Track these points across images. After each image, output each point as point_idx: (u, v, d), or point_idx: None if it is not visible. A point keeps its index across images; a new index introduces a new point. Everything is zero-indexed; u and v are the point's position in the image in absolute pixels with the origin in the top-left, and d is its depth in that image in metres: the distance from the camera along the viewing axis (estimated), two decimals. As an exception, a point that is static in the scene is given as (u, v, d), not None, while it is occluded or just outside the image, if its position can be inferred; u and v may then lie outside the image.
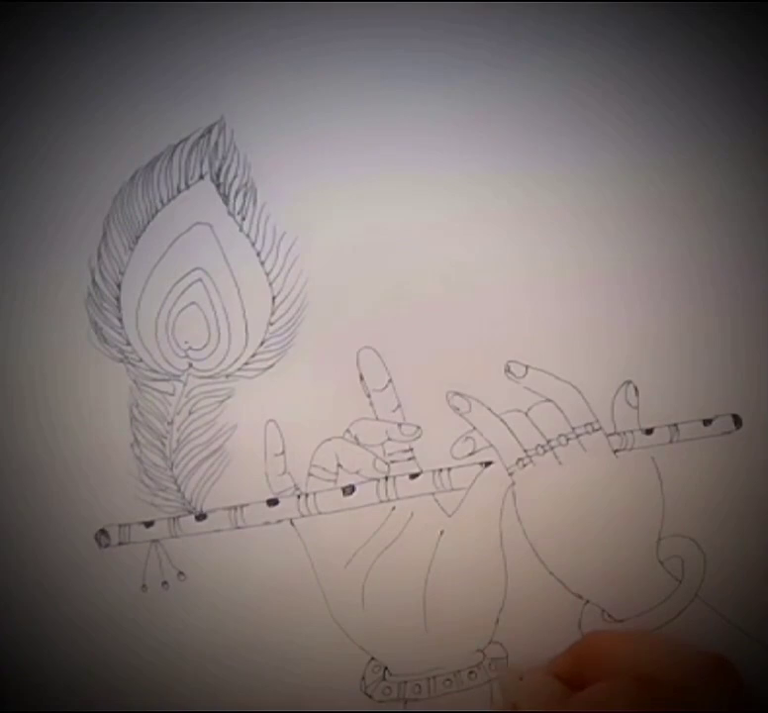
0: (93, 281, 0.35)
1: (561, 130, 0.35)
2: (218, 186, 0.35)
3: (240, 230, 0.35)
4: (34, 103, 0.35)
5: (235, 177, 0.35)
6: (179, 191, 0.35)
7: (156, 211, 0.35)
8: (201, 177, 0.35)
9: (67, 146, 0.35)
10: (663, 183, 0.35)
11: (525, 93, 0.35)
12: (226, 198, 0.35)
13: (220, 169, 0.35)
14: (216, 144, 0.35)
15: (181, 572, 0.34)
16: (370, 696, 0.34)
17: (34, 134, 0.35)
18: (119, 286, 0.35)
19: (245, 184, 0.35)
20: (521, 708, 0.32)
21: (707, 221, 0.35)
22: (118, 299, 0.35)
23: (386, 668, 0.35)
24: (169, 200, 0.35)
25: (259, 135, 0.35)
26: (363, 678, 0.34)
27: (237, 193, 0.35)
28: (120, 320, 0.35)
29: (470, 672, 0.35)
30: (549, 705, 0.30)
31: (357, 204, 0.35)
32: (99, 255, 0.35)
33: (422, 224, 0.35)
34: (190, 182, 0.35)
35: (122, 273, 0.35)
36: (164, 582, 0.34)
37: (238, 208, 0.35)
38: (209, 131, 0.35)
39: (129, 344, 0.35)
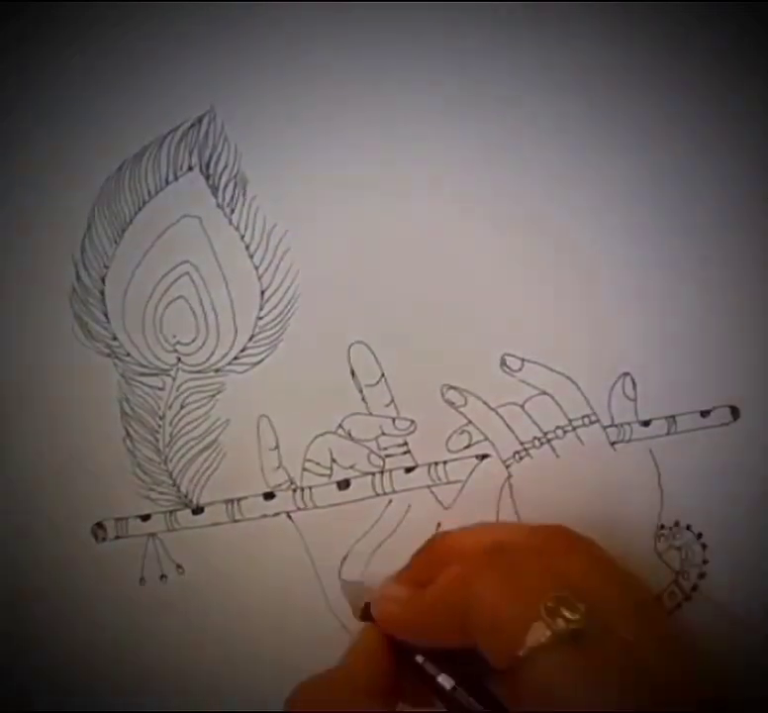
0: (77, 275, 0.35)
1: (559, 125, 0.34)
2: (207, 178, 0.34)
3: (230, 222, 0.34)
4: (16, 93, 0.35)
5: (224, 169, 0.34)
6: (167, 183, 0.34)
7: (143, 203, 0.34)
8: (190, 169, 0.34)
9: (52, 135, 0.35)
10: (660, 178, 0.34)
11: (524, 87, 0.34)
12: (215, 190, 0.34)
13: (209, 160, 0.34)
14: (206, 134, 0.34)
15: (179, 566, 0.34)
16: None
17: (16, 123, 0.35)
18: (103, 280, 0.35)
19: (235, 176, 0.34)
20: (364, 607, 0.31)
21: (703, 213, 0.34)
22: (102, 293, 0.35)
23: (384, 662, 0.35)
24: (157, 192, 0.34)
25: (250, 125, 0.34)
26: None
27: (226, 185, 0.34)
28: (105, 314, 0.35)
29: (468, 666, 0.35)
30: (400, 602, 0.30)
31: (349, 196, 0.34)
32: (83, 249, 0.35)
33: (415, 217, 0.34)
34: (179, 174, 0.34)
35: (106, 267, 0.35)
36: (163, 576, 0.34)
37: (227, 200, 0.34)
38: (199, 121, 0.34)
39: (115, 339, 0.35)
